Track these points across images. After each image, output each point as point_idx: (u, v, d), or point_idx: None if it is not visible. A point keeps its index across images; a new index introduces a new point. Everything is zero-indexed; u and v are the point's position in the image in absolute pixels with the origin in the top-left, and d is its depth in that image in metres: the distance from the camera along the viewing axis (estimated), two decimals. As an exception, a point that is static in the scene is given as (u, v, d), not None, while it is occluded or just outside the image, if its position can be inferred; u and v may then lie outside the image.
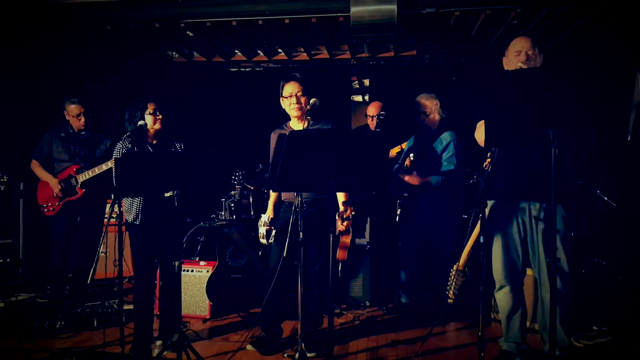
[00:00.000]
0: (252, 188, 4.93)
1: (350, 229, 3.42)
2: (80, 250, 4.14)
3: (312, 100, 2.94)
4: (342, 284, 4.34)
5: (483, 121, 2.77)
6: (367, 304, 4.37)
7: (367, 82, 6.28)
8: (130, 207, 3.27)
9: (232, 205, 4.86)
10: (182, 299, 3.97)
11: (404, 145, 4.23)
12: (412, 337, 3.61)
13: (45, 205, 4.10)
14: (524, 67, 2.72)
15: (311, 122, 3.07)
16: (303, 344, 2.83)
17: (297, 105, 3.26)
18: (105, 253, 4.50)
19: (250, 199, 5.00)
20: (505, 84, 2.27)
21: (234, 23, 4.42)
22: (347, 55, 5.63)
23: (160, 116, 3.32)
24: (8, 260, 4.66)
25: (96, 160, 4.07)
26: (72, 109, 4.07)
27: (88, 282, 2.90)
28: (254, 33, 4.89)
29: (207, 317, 4.07)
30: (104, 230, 3.27)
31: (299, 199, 2.68)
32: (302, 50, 5.57)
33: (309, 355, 3.16)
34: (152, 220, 3.27)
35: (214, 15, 4.36)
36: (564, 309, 2.76)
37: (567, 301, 2.78)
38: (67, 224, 4.09)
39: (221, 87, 6.18)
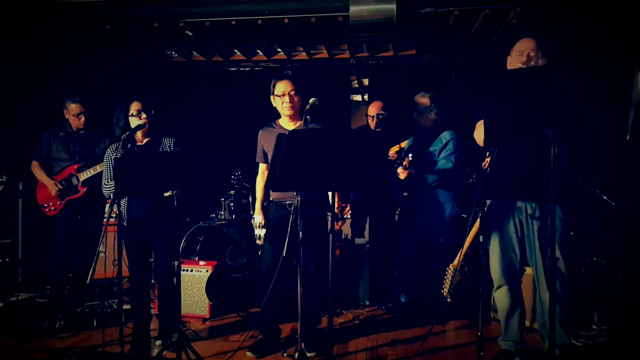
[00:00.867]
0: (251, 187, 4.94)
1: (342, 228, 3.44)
2: (80, 249, 4.14)
3: (311, 100, 2.93)
4: (342, 283, 4.34)
5: (482, 121, 2.78)
6: (367, 303, 4.38)
7: (366, 81, 6.28)
8: (121, 208, 3.27)
9: (232, 204, 4.86)
10: (182, 298, 3.97)
11: (404, 144, 4.23)
12: (411, 337, 3.61)
13: (46, 205, 4.10)
14: (523, 67, 2.72)
15: (310, 121, 3.05)
16: (302, 344, 2.84)
17: (289, 104, 3.24)
18: (105, 253, 4.50)
19: (250, 199, 5.00)
20: (505, 84, 2.27)
21: (233, 22, 4.42)
22: (347, 55, 5.62)
23: (145, 115, 3.27)
24: (7, 260, 4.66)
25: (96, 158, 4.06)
26: (73, 108, 4.06)
27: (87, 281, 2.90)
28: (253, 32, 4.89)
29: (207, 317, 4.07)
30: (103, 229, 3.26)
31: (299, 198, 2.68)
32: (302, 49, 5.57)
33: (308, 354, 3.17)
34: (141, 220, 3.26)
35: (213, 15, 4.36)
36: (563, 308, 2.77)
37: (566, 300, 2.78)
38: (69, 223, 4.09)
39: (220, 86, 6.17)
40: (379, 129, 4.39)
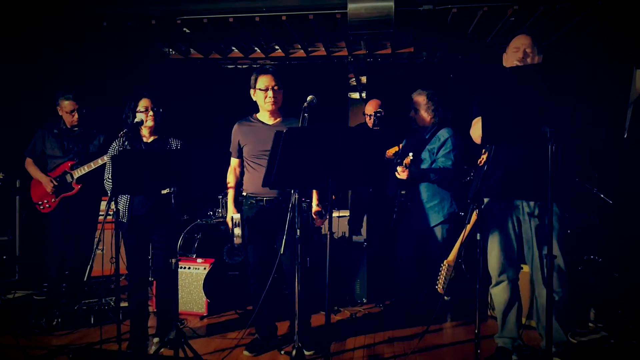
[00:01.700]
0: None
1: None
2: (75, 247, 4.13)
3: (309, 98, 2.92)
4: (340, 281, 4.35)
5: (479, 118, 2.79)
6: (364, 300, 4.38)
7: (364, 79, 6.29)
8: (120, 205, 3.26)
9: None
10: (179, 296, 3.97)
11: (402, 146, 4.22)
12: (409, 334, 3.62)
13: (40, 203, 4.08)
14: (520, 64, 2.72)
15: (306, 117, 3.01)
16: (300, 341, 2.83)
17: (272, 99, 3.20)
18: (102, 250, 4.50)
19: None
20: (502, 81, 2.27)
21: (231, 20, 4.42)
22: (344, 52, 5.62)
23: (152, 113, 3.26)
24: (4, 257, 4.65)
25: (90, 155, 4.04)
26: (66, 105, 4.04)
27: (85, 279, 2.90)
28: (251, 30, 4.88)
29: (204, 315, 4.07)
30: (100, 227, 3.26)
31: (296, 196, 2.67)
32: (299, 47, 5.56)
33: (305, 352, 3.16)
34: (142, 218, 3.26)
35: (210, 12, 4.36)
36: (560, 305, 2.77)
37: (564, 297, 2.79)
38: (64, 221, 4.08)
39: (217, 84, 6.16)
40: (377, 127, 4.39)
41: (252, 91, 3.29)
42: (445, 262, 3.34)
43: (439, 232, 3.91)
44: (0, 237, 4.70)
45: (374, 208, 4.76)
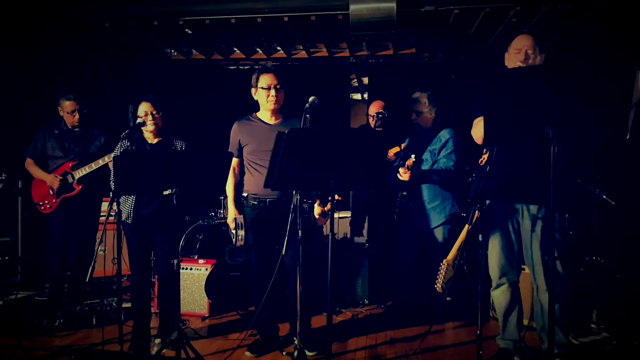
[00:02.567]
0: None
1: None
2: (77, 247, 4.13)
3: (311, 98, 2.92)
4: (341, 282, 4.35)
5: (480, 118, 2.78)
6: (366, 302, 4.38)
7: (366, 80, 6.29)
8: (124, 206, 3.27)
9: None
10: (181, 297, 3.97)
11: (403, 146, 4.22)
12: (410, 335, 3.61)
13: (41, 203, 4.08)
14: (522, 65, 2.71)
15: (307, 118, 3.01)
16: (302, 342, 2.83)
17: (275, 98, 3.20)
18: (104, 251, 4.50)
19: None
20: (504, 82, 2.26)
21: (233, 21, 4.42)
22: (346, 54, 5.62)
23: (152, 117, 3.25)
24: (7, 258, 4.65)
25: (91, 156, 4.04)
26: (67, 105, 4.04)
27: (87, 280, 2.90)
28: (253, 31, 4.89)
29: (206, 315, 4.07)
30: (102, 227, 3.25)
31: (297, 197, 2.67)
32: (301, 48, 5.57)
33: (307, 353, 3.16)
34: (146, 218, 3.26)
35: (212, 13, 4.36)
36: (561, 308, 2.77)
37: (563, 300, 2.78)
38: (65, 221, 4.08)
39: (220, 85, 6.17)
40: (380, 128, 4.38)
41: (253, 90, 3.29)
42: (444, 261, 3.34)
43: (440, 232, 3.90)
44: (2, 237, 4.70)
45: (375, 209, 4.76)
